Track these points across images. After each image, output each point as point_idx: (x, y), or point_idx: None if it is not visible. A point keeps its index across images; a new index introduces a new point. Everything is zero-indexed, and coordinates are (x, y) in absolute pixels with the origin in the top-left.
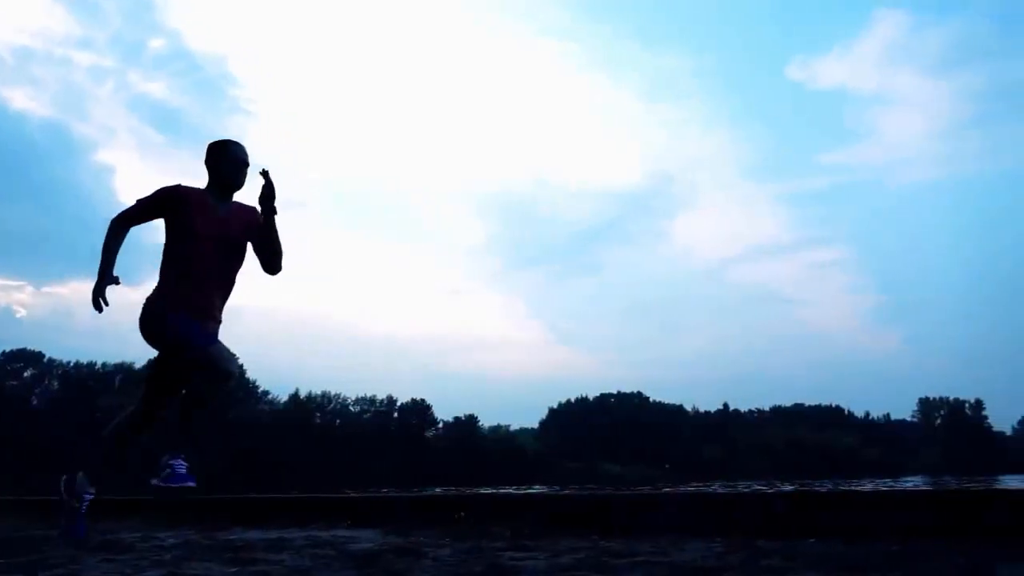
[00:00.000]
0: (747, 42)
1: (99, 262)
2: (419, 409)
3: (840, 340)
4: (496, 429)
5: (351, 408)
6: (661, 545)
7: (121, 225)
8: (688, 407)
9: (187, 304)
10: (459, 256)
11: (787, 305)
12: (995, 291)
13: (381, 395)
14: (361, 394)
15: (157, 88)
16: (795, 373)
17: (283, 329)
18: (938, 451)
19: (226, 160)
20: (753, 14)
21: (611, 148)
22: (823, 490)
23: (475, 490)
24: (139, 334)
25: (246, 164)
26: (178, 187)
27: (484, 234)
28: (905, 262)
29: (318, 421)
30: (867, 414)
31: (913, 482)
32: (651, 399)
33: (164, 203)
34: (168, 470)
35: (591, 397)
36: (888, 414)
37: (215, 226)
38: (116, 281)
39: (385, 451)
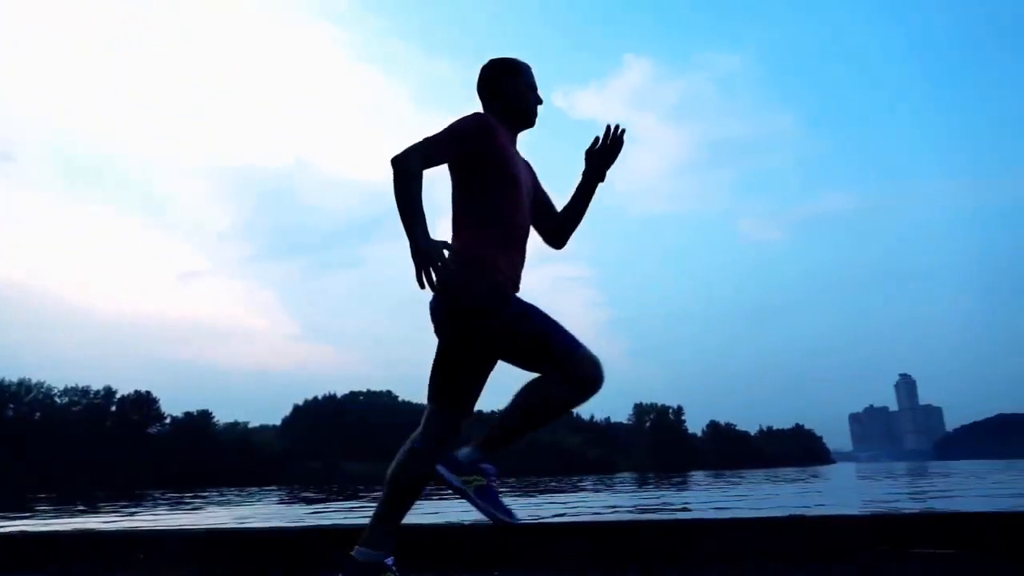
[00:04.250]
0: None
1: (402, 216)
2: (142, 402)
3: None
4: (233, 426)
5: (57, 399)
6: None
7: (422, 163)
8: None
9: (512, 275)
10: (203, 237)
11: None
12: (698, 313)
13: (97, 385)
14: (71, 383)
15: None
16: None
17: None
18: (645, 450)
19: (528, 86)
20: (525, 36)
21: (381, 143)
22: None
23: (209, 499)
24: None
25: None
26: (488, 115)
27: (235, 216)
28: (634, 283)
29: (11, 414)
30: (592, 417)
31: (623, 479)
32: (400, 398)
33: (478, 134)
34: (481, 482)
35: (340, 395)
36: (609, 417)
37: (523, 172)
38: (445, 246)
39: (98, 450)
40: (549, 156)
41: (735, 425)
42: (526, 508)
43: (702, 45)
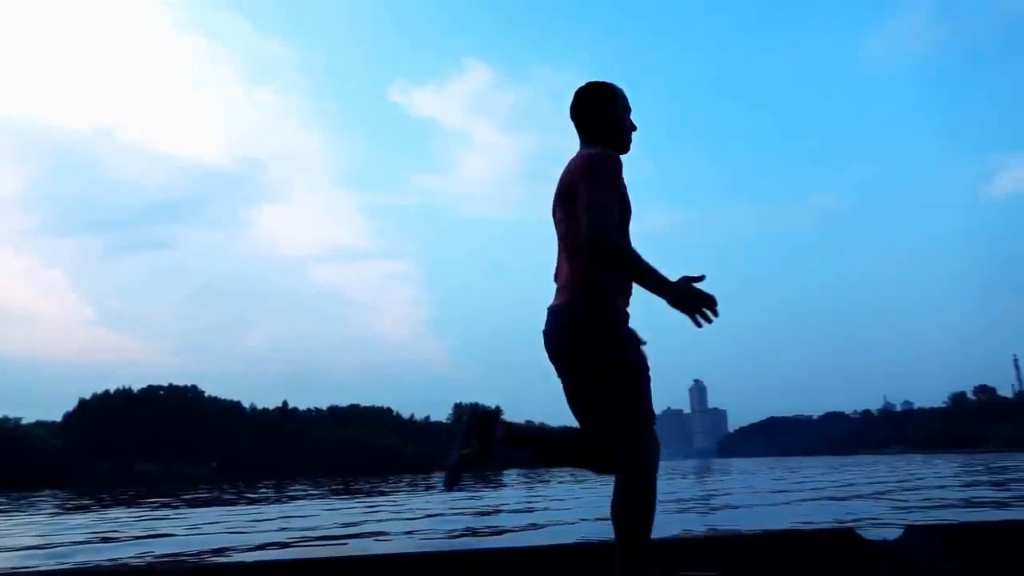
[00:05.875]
0: (358, 52)
1: (646, 284)
2: None
3: (397, 346)
4: (2, 422)
5: None
6: None
7: (618, 227)
8: (246, 404)
9: (626, 307)
10: None
11: (355, 309)
12: (518, 315)
13: None
14: None
15: None
16: (354, 374)
17: None
18: None
19: (628, 112)
20: (368, 25)
21: (201, 120)
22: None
23: None
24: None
25: None
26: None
27: (17, 183)
28: (460, 283)
29: None
30: (412, 415)
31: (438, 478)
32: (207, 394)
33: (621, 171)
34: None
35: (136, 389)
36: (428, 416)
37: None
38: (689, 280)
39: None
40: (385, 148)
41: (548, 425)
42: (338, 515)
43: (541, 58)
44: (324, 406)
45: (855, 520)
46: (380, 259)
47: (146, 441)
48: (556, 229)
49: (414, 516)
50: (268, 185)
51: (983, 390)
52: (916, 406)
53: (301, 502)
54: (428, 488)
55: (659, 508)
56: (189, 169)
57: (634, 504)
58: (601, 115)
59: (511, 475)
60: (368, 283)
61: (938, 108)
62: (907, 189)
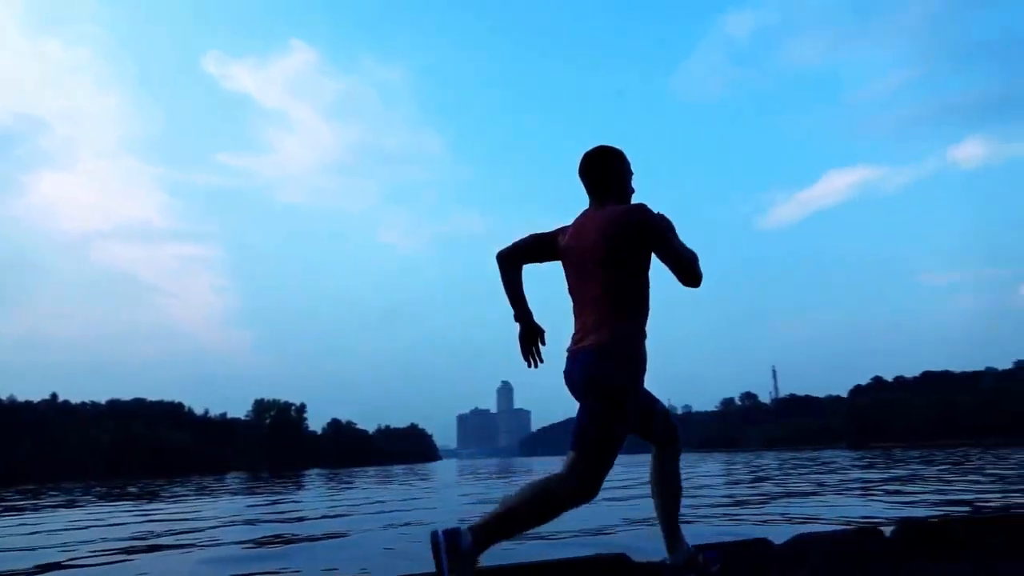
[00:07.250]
0: (170, 13)
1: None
2: None
3: (193, 336)
4: None
5: None
6: None
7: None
8: (4, 395)
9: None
10: None
11: (147, 293)
12: (330, 310)
13: None
14: None
15: None
16: (142, 365)
17: None
18: (262, 450)
19: (631, 176)
20: None
21: None
22: None
23: None
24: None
25: None
26: None
27: None
28: (268, 271)
29: None
30: (206, 411)
31: (237, 477)
32: None
33: None
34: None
35: None
36: (225, 412)
37: None
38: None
39: None
40: (192, 120)
41: (355, 423)
42: (107, 527)
43: (370, 49)
44: (103, 400)
45: (632, 523)
46: (180, 241)
47: None
48: (583, 276)
49: (204, 525)
50: (49, 148)
51: (748, 396)
52: (695, 409)
53: (65, 510)
54: (214, 491)
55: (453, 514)
56: None
57: (536, 507)
58: (615, 175)
59: (311, 475)
60: (164, 266)
61: (725, 145)
62: (695, 215)
